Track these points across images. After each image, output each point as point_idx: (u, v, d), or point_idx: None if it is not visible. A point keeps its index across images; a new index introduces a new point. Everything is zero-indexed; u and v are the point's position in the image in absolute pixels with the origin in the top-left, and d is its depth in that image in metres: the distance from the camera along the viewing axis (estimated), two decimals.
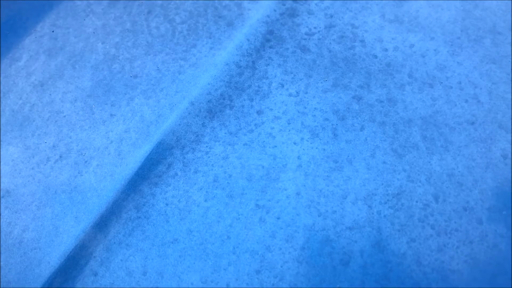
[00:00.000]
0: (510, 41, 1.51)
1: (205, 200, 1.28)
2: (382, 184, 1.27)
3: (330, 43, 1.54)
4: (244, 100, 1.44)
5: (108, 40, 1.62)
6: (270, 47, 1.55)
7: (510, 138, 1.32)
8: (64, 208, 1.30)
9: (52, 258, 1.23)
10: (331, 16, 1.61)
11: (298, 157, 1.33)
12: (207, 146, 1.36)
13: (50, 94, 1.51)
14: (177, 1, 1.70)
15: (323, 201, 1.25)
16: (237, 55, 1.53)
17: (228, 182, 1.30)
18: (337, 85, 1.45)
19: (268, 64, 1.51)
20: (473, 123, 1.35)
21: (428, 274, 1.15)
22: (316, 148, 1.34)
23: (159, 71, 1.53)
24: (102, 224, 1.26)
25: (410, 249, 1.18)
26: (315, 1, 1.65)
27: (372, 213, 1.23)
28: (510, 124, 1.34)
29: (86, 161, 1.37)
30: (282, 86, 1.46)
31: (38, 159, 1.39)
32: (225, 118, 1.41)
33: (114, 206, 1.28)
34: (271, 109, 1.42)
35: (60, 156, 1.39)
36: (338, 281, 1.15)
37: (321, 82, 1.46)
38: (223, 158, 1.34)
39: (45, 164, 1.38)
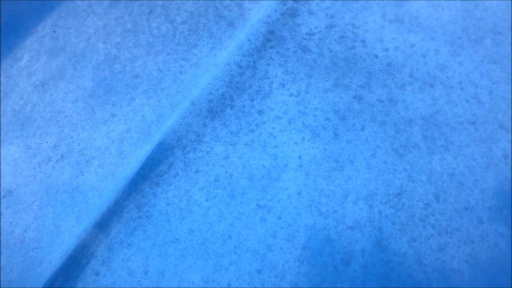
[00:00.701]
0: (511, 41, 1.51)
1: (206, 200, 1.28)
2: (383, 183, 1.27)
3: (331, 43, 1.55)
4: (245, 100, 1.44)
5: (109, 40, 1.63)
6: (271, 47, 1.55)
7: (510, 137, 1.32)
8: (65, 207, 1.30)
9: (54, 257, 1.23)
10: (332, 16, 1.61)
11: (299, 157, 1.33)
12: (208, 146, 1.36)
13: (51, 94, 1.52)
14: (178, 2, 1.70)
15: (324, 201, 1.26)
16: (238, 55, 1.53)
17: (229, 182, 1.30)
18: (338, 85, 1.45)
19: (269, 64, 1.51)
20: (473, 123, 1.35)
21: (429, 273, 1.15)
22: (317, 147, 1.34)
23: (160, 71, 1.53)
24: (103, 223, 1.26)
25: (411, 248, 1.18)
26: (316, 1, 1.65)
27: (373, 213, 1.23)
28: (510, 124, 1.34)
29: (87, 161, 1.37)
30: (283, 86, 1.46)
31: (40, 159, 1.39)
32: (226, 118, 1.41)
33: (116, 205, 1.28)
34: (272, 109, 1.42)
35: (62, 156, 1.39)
36: (339, 281, 1.16)
37: (322, 82, 1.46)
38: (224, 157, 1.34)
39: (47, 164, 1.38)
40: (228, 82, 1.47)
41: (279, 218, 1.24)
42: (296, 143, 1.36)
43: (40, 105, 1.50)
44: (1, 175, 1.38)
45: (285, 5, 1.64)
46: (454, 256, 1.17)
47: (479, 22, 1.57)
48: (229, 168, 1.33)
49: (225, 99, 1.44)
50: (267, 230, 1.23)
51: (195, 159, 1.34)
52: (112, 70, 1.55)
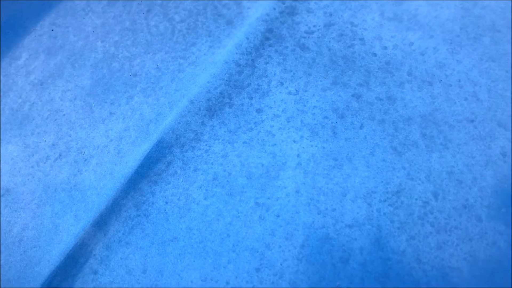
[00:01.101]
0: (509, 39, 1.51)
1: (205, 198, 1.28)
2: (382, 182, 1.27)
3: (329, 41, 1.55)
4: (244, 99, 1.44)
5: (107, 39, 1.62)
6: (270, 45, 1.55)
7: (509, 136, 1.32)
8: (63, 206, 1.30)
9: (52, 256, 1.23)
10: (331, 15, 1.61)
11: (298, 155, 1.33)
12: (206, 145, 1.36)
13: (49, 93, 1.51)
14: (177, 0, 1.70)
15: (322, 199, 1.26)
16: (236, 53, 1.53)
17: (227, 180, 1.30)
18: (337, 83, 1.45)
19: (268, 63, 1.51)
20: (472, 121, 1.35)
21: (428, 271, 1.15)
22: (316, 146, 1.34)
23: (159, 69, 1.53)
24: (101, 222, 1.26)
25: (409, 246, 1.18)
26: (315, 0, 1.65)
27: (372, 211, 1.23)
28: (509, 122, 1.34)
29: (85, 160, 1.37)
30: (282, 84, 1.46)
31: (38, 158, 1.39)
32: (224, 117, 1.41)
33: (114, 204, 1.28)
34: (271, 107, 1.42)
35: (60, 155, 1.39)
36: (337, 279, 1.15)
37: (321, 80, 1.46)
38: (222, 156, 1.34)
39: (45, 163, 1.38)
40: (226, 80, 1.47)
41: (278, 216, 1.24)
42: (294, 142, 1.35)
43: (38, 104, 1.49)
44: (0, 173, 1.38)
45: (283, 3, 1.64)
46: (452, 254, 1.16)
47: (478, 20, 1.57)
48: (228, 166, 1.32)
49: (223, 97, 1.44)
50: (265, 229, 1.22)
51: (193, 157, 1.34)
52: (111, 69, 1.55)
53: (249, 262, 1.18)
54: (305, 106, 1.41)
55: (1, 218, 1.30)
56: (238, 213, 1.25)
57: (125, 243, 1.23)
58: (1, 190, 1.34)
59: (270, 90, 1.45)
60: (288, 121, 1.39)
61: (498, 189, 1.25)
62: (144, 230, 1.24)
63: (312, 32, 1.57)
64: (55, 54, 1.60)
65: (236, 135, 1.37)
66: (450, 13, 1.59)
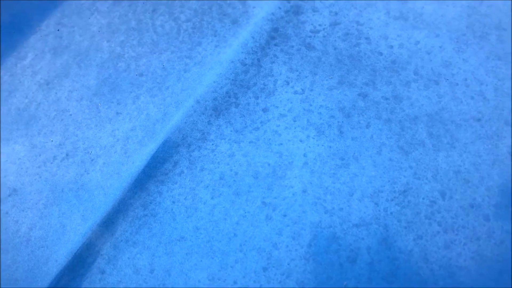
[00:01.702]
0: None
1: (212, 198, 1.28)
2: (389, 181, 1.27)
3: (335, 40, 1.54)
4: (250, 98, 1.44)
5: (113, 39, 1.63)
6: (275, 44, 1.54)
7: None
8: (71, 206, 1.30)
9: (59, 256, 1.23)
10: (336, 14, 1.61)
11: (304, 155, 1.33)
12: (213, 144, 1.36)
13: (56, 93, 1.52)
14: None
15: (329, 199, 1.26)
16: (242, 53, 1.53)
17: (234, 180, 1.30)
18: (343, 83, 1.45)
19: (273, 62, 1.51)
20: (479, 120, 1.35)
21: (435, 271, 1.15)
22: (322, 145, 1.34)
23: (165, 69, 1.53)
24: (109, 222, 1.26)
25: (417, 246, 1.18)
26: None
27: (379, 210, 1.23)
28: None
29: (92, 160, 1.37)
30: (288, 83, 1.46)
31: (45, 158, 1.39)
32: (230, 116, 1.41)
33: (121, 204, 1.28)
34: (277, 107, 1.42)
35: (67, 155, 1.39)
36: (345, 278, 1.16)
37: (327, 80, 1.46)
38: (229, 155, 1.34)
39: (52, 163, 1.38)
40: (232, 80, 1.47)
41: (285, 216, 1.24)
42: (301, 141, 1.35)
43: (44, 104, 1.50)
44: (7, 174, 1.38)
45: (289, 2, 1.63)
46: (460, 254, 1.16)
47: (484, 18, 1.56)
48: (234, 166, 1.33)
49: (229, 97, 1.44)
50: (272, 228, 1.23)
51: (200, 157, 1.34)
52: (117, 69, 1.55)
53: (257, 262, 1.19)
54: (311, 105, 1.41)
55: (9, 218, 1.31)
56: (245, 212, 1.25)
57: (133, 243, 1.23)
58: (8, 190, 1.35)
59: (276, 89, 1.45)
60: (295, 121, 1.39)
61: (505, 188, 1.25)
62: (151, 229, 1.24)
63: (318, 31, 1.57)
64: (61, 54, 1.61)
65: (242, 134, 1.38)
66: (456, 12, 1.59)
